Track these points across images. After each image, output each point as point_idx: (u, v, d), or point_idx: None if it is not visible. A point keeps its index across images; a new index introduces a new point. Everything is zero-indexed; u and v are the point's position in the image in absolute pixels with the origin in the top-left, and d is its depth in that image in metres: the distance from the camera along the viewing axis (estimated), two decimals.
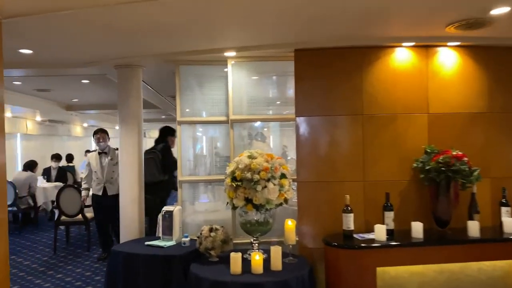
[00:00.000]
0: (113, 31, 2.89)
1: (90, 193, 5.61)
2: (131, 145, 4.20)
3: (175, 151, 4.76)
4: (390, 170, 3.57)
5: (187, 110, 4.13)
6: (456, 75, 3.63)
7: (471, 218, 3.37)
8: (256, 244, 3.35)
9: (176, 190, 4.27)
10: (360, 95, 3.59)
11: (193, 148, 4.30)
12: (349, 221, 3.30)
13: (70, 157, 10.36)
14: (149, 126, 18.72)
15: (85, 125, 13.27)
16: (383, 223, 3.31)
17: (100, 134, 5.44)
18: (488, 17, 2.79)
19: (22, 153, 9.25)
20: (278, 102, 4.30)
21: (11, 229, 7.71)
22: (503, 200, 3.43)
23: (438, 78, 3.61)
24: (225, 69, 4.01)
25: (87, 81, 5.82)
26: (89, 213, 6.37)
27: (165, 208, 3.74)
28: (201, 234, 3.38)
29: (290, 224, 3.31)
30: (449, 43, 3.55)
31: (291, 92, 4.01)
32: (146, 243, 3.61)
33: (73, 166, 10.16)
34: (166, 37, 3.13)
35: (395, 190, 3.51)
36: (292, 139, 3.78)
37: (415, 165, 3.47)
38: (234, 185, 3.22)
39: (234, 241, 3.90)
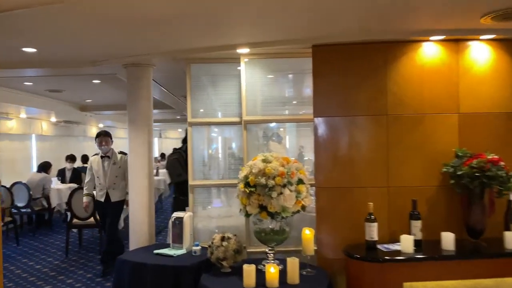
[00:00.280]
0: (117, 26, 2.70)
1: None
2: (141, 147, 4.03)
3: None
4: (417, 175, 3.29)
5: (201, 110, 3.92)
6: (489, 71, 3.31)
7: (508, 229, 3.06)
8: (272, 254, 3.11)
9: None
10: (384, 94, 3.32)
11: (206, 151, 4.10)
12: (372, 231, 3.03)
13: (85, 158, 10.30)
14: (165, 126, 18.75)
15: (101, 125, 13.24)
16: (409, 233, 3.04)
17: (103, 137, 5.12)
18: None
19: (37, 154, 9.23)
20: (294, 102, 4.06)
21: (25, 231, 7.69)
22: None
23: (470, 75, 3.31)
24: (238, 68, 3.80)
25: (98, 81, 5.69)
26: None
27: (175, 214, 3.55)
28: (212, 243, 3.17)
29: (308, 233, 3.06)
30: (482, 37, 3.24)
31: (308, 91, 3.77)
32: (155, 251, 3.42)
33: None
34: (174, 32, 2.92)
35: (422, 197, 3.22)
36: (309, 139, 3.55)
37: (445, 169, 3.18)
38: (248, 191, 2.99)
39: (248, 250, 3.67)
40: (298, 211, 3.03)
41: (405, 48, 3.32)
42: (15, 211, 7.28)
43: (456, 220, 3.22)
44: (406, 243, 2.95)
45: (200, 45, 3.28)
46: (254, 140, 3.84)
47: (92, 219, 6.03)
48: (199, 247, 3.39)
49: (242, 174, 3.10)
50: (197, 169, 3.94)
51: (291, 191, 2.94)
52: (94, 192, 5.22)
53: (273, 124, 4.03)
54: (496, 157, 3.02)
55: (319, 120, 3.39)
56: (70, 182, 8.70)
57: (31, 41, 3.02)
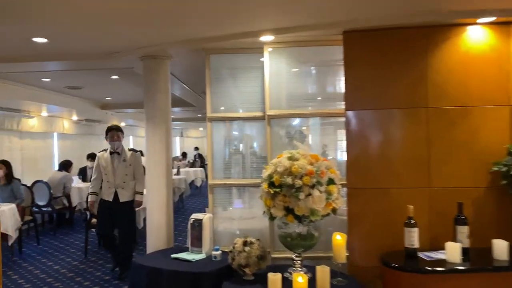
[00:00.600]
0: (131, 11, 2.47)
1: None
2: (159, 144, 3.81)
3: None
4: (462, 175, 2.93)
5: (221, 106, 3.67)
6: None
7: None
8: (298, 262, 2.83)
9: None
10: (424, 84, 2.98)
11: (226, 148, 3.84)
12: (412, 237, 2.70)
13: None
14: (186, 125, 18.65)
15: (123, 124, 13.21)
16: (454, 240, 2.69)
17: (114, 131, 4.71)
18: None
19: (59, 152, 9.21)
20: (322, 95, 3.75)
21: (46, 230, 7.65)
22: None
23: None
24: (261, 59, 3.52)
25: (116, 77, 5.52)
26: None
27: (194, 216, 3.30)
28: (234, 248, 2.90)
29: (339, 239, 2.76)
30: None
31: (337, 83, 3.46)
32: (173, 255, 3.18)
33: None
34: (191, 18, 2.67)
35: (468, 199, 2.87)
36: (333, 137, 3.25)
37: (495, 168, 2.82)
38: (272, 192, 2.71)
39: (272, 255, 3.39)
40: (328, 214, 2.74)
41: (449, 33, 2.97)
42: (36, 210, 7.23)
43: (508, 225, 2.85)
44: (452, 252, 2.60)
45: (219, 33, 3.02)
46: (278, 137, 3.54)
47: None
48: (219, 252, 3.13)
49: (265, 173, 2.82)
50: (217, 168, 3.69)
51: (320, 192, 2.65)
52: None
53: (295, 122, 3.74)
54: None
55: (351, 114, 3.08)
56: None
57: (42, 30, 2.83)
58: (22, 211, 6.01)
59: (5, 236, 5.36)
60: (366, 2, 2.52)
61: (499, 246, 2.64)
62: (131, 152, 4.78)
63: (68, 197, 7.76)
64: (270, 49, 3.44)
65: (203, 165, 16.27)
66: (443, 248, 2.68)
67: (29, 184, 7.16)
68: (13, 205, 5.62)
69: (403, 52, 3.00)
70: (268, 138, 3.43)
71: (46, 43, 3.11)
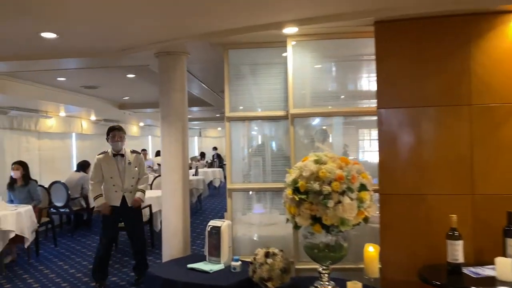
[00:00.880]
0: (143, 4, 2.26)
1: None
2: (174, 144, 3.61)
3: None
4: (510, 180, 2.61)
5: (240, 104, 3.43)
6: None
7: None
8: (326, 275, 2.56)
9: None
10: (466, 79, 2.67)
11: (246, 150, 3.60)
12: (456, 251, 2.40)
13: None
14: (205, 125, 18.53)
15: (141, 124, 13.19)
16: (504, 254, 2.38)
17: (117, 131, 4.47)
18: None
19: (77, 153, 9.17)
20: (348, 94, 3.47)
21: (64, 232, 7.58)
22: None
23: None
24: (283, 54, 3.27)
25: (132, 76, 5.37)
26: None
27: (212, 223, 3.07)
28: (255, 259, 2.66)
29: (371, 251, 2.49)
30: None
31: (368, 79, 3.18)
32: (189, 265, 2.96)
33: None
34: (209, 10, 2.44)
35: None
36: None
37: None
38: (297, 199, 2.45)
39: (296, 266, 3.14)
40: (358, 224, 2.47)
41: (494, 21, 2.66)
42: (54, 211, 7.17)
43: None
44: (502, 268, 2.29)
45: (239, 25, 2.78)
46: (302, 137, 3.28)
47: None
48: (239, 263, 2.89)
49: (289, 177, 2.56)
50: (236, 171, 3.45)
51: (351, 199, 2.38)
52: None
53: (315, 122, 3.48)
54: None
55: (384, 113, 2.80)
56: None
57: (50, 24, 2.65)
58: (39, 213, 5.93)
59: (21, 238, 5.28)
60: None
61: None
62: (134, 154, 4.60)
63: (85, 198, 7.67)
64: (294, 43, 3.18)
65: (221, 165, 16.14)
66: (490, 263, 2.38)
67: (46, 185, 7.11)
68: (30, 207, 5.53)
69: (442, 44, 2.70)
70: (292, 139, 3.17)
71: (55, 39, 2.94)
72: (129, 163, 4.44)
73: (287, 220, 2.64)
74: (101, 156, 4.48)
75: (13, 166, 5.93)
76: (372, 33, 2.85)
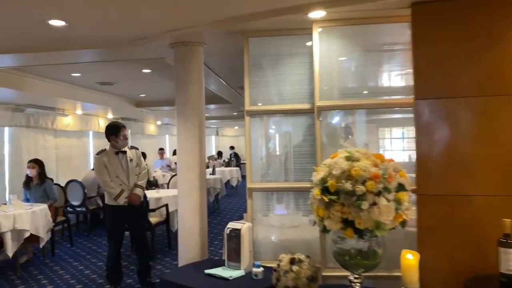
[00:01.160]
0: None
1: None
2: (191, 140, 3.39)
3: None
4: None
5: (260, 102, 3.18)
6: None
7: None
8: (358, 284, 2.30)
9: None
10: None
11: (267, 146, 3.36)
12: (511, 260, 2.10)
13: (143, 156, 10.09)
14: (222, 124, 18.35)
15: (159, 122, 13.09)
16: None
17: (124, 129, 4.33)
18: None
19: (94, 151, 9.08)
20: (379, 85, 3.18)
21: (80, 231, 7.49)
22: None
23: None
24: (307, 43, 3.01)
25: (148, 71, 5.19)
26: (154, 218, 5.77)
27: (231, 225, 2.84)
28: (279, 266, 2.42)
29: (410, 258, 2.20)
30: None
31: (400, 68, 2.89)
32: (207, 271, 2.74)
33: (146, 164, 9.83)
34: None
35: None
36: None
37: None
38: (327, 200, 2.20)
39: (323, 273, 2.88)
40: (394, 228, 2.20)
41: None
42: (70, 210, 7.08)
43: None
44: None
45: (260, 9, 2.53)
46: (329, 132, 3.02)
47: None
48: (261, 269, 2.65)
49: (317, 176, 2.30)
50: (256, 169, 3.21)
51: (388, 200, 2.11)
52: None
53: (335, 120, 3.23)
54: None
55: (422, 104, 2.51)
56: None
57: (58, 10, 2.45)
58: (54, 212, 5.82)
59: (36, 238, 5.17)
60: None
61: None
62: (133, 150, 4.49)
63: (102, 197, 7.55)
64: (320, 30, 2.91)
65: (238, 164, 15.95)
66: None
67: (63, 184, 7.02)
68: (45, 206, 5.42)
69: (490, 25, 2.40)
70: (318, 133, 2.90)
71: (64, 28, 2.75)
72: (131, 160, 4.32)
73: (314, 222, 2.39)
74: (102, 155, 4.27)
75: (28, 164, 5.85)
76: (407, 17, 2.57)
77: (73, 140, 8.42)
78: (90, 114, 8.64)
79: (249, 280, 2.61)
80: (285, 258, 2.44)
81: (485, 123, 2.41)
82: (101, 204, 7.54)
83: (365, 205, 2.10)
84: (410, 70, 2.60)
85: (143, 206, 4.65)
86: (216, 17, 2.71)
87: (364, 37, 2.99)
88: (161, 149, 11.88)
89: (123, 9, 2.50)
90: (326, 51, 2.93)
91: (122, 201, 4.20)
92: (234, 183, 12.42)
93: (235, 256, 2.78)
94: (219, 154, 15.96)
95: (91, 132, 9.03)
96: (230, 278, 2.62)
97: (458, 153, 2.44)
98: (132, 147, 4.54)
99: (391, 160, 2.27)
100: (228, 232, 2.81)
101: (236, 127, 19.56)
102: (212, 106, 9.72)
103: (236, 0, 2.42)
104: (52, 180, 6.21)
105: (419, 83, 2.52)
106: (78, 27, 2.79)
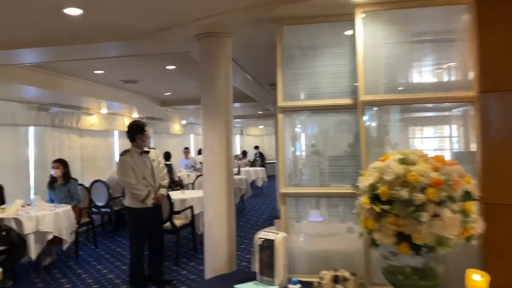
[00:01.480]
0: None
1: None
2: (218, 140, 3.12)
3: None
4: None
5: (292, 99, 2.86)
6: None
7: None
8: None
9: None
10: None
11: (300, 146, 3.05)
12: None
13: (167, 155, 9.99)
14: (246, 123, 18.09)
15: (183, 122, 12.96)
16: None
17: (147, 128, 4.27)
18: None
19: (120, 151, 8.98)
20: (433, 76, 2.81)
21: (105, 231, 7.38)
22: None
23: None
24: (346, 32, 2.69)
25: (172, 67, 4.96)
26: (179, 220, 5.55)
27: (263, 234, 2.54)
28: (319, 284, 2.12)
29: (478, 280, 1.86)
30: None
31: (457, 57, 2.53)
32: (236, 286, 2.45)
33: (170, 164, 9.70)
34: None
35: None
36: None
37: None
38: (378, 210, 1.88)
39: None
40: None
41: None
42: (95, 210, 6.97)
43: None
44: None
45: None
46: (374, 131, 2.68)
47: (169, 223, 5.34)
48: (298, 286, 2.34)
49: (365, 181, 1.99)
50: (290, 172, 2.90)
51: (454, 212, 1.78)
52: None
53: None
54: None
55: (487, 98, 2.14)
56: None
57: None
58: (78, 213, 5.69)
59: (60, 240, 5.05)
60: None
61: None
62: (153, 150, 4.42)
63: None
64: (363, 15, 2.57)
65: (263, 164, 15.66)
66: None
67: (88, 184, 6.92)
68: (68, 207, 5.29)
69: None
70: (362, 133, 2.56)
71: (80, 16, 2.53)
72: (153, 160, 4.25)
73: (360, 234, 2.09)
74: (127, 156, 4.17)
75: (53, 164, 5.74)
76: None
77: (98, 140, 8.34)
78: (115, 113, 8.55)
79: None
80: (327, 275, 2.13)
81: None
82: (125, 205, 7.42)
83: (424, 216, 1.77)
84: (468, 60, 2.25)
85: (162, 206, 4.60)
86: (245, 2, 2.42)
87: (414, 23, 2.63)
88: (186, 148, 11.76)
89: None
90: (370, 39, 2.58)
91: (150, 202, 4.10)
92: (259, 184, 12.15)
93: (268, 270, 2.48)
94: (244, 153, 15.72)
95: (116, 132, 8.94)
96: None
97: None
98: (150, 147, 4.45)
99: (454, 163, 1.94)
100: (260, 243, 2.52)
101: (261, 126, 19.27)
102: (237, 105, 9.47)
103: None
104: (76, 180, 6.09)
105: (484, 74, 2.15)
106: (96, 16, 2.56)
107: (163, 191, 4.26)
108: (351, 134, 2.83)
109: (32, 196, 6.18)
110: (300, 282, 2.38)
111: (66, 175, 5.75)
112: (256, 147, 17.68)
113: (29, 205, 5.19)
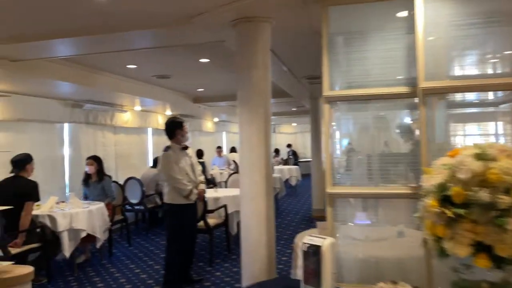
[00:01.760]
0: None
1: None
2: (256, 135, 2.89)
3: None
4: None
5: (338, 86, 2.58)
6: None
7: None
8: None
9: None
10: None
11: (348, 141, 2.76)
12: None
13: (200, 153, 9.89)
14: (279, 121, 17.76)
15: (216, 120, 12.85)
16: None
17: (185, 124, 4.26)
18: None
19: (154, 148, 8.95)
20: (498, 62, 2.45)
21: (139, 229, 7.33)
22: None
23: None
24: (399, 14, 2.38)
25: (205, 60, 4.78)
26: (212, 220, 5.37)
27: (308, 240, 2.27)
28: None
29: None
30: None
31: None
32: None
33: (203, 162, 9.59)
34: None
35: None
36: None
37: None
38: (450, 214, 1.58)
39: None
40: None
41: None
42: (129, 208, 6.93)
43: None
44: None
45: None
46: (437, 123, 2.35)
47: (202, 223, 5.16)
48: None
49: (432, 180, 1.69)
50: (337, 170, 2.62)
51: None
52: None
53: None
54: None
55: None
56: None
57: None
58: (112, 210, 5.63)
59: (93, 238, 4.99)
60: None
61: None
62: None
63: (160, 195, 7.33)
64: None
65: (296, 162, 15.33)
66: None
67: (122, 181, 6.89)
68: (102, 204, 5.23)
69: None
70: (423, 125, 2.23)
71: (108, 3, 2.35)
72: (190, 156, 4.26)
73: (424, 242, 1.80)
74: (170, 152, 4.13)
75: (87, 161, 5.72)
76: None
77: (132, 137, 8.32)
78: (149, 110, 8.52)
79: None
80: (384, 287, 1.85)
81: None
82: (159, 202, 7.33)
83: (511, 224, 1.47)
84: None
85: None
86: None
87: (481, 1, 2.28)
88: (219, 147, 11.68)
89: None
90: (430, 19, 2.25)
91: (194, 197, 4.11)
92: (293, 182, 11.85)
93: (313, 279, 2.21)
94: (276, 151, 15.46)
95: (150, 129, 8.91)
96: None
97: None
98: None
99: None
100: (305, 250, 2.26)
101: (294, 124, 18.92)
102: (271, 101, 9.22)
103: None
104: (110, 177, 6.04)
105: None
106: (124, 2, 2.38)
107: (203, 186, 4.26)
108: (405, 126, 2.52)
109: (67, 193, 6.20)
110: None
111: (100, 172, 5.71)
112: (289, 145, 17.38)
113: (63, 202, 5.16)
